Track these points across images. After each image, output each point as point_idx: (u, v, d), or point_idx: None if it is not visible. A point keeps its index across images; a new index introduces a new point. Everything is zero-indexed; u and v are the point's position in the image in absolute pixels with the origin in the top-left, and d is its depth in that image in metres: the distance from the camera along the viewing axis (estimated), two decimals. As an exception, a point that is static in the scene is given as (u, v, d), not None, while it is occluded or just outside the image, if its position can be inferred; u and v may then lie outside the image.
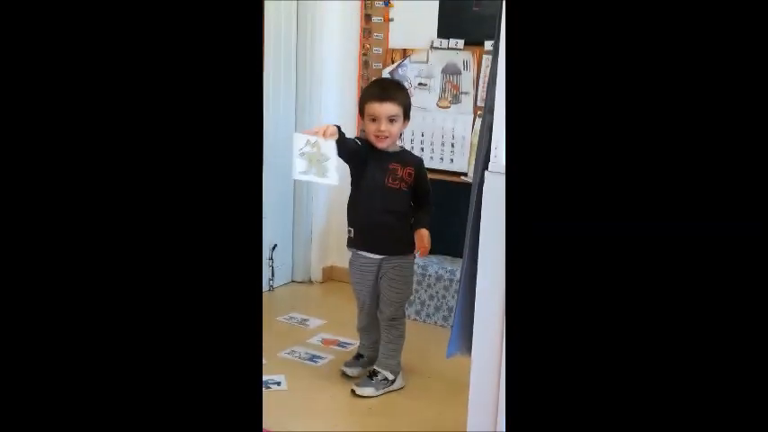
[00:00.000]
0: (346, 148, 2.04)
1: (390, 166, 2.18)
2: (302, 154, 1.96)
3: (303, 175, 1.97)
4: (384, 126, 2.12)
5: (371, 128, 2.14)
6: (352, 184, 2.25)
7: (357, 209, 2.23)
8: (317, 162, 1.97)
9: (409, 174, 2.20)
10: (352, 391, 2.22)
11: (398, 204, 2.21)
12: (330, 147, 1.97)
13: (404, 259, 2.25)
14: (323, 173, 1.96)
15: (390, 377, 2.28)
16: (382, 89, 2.18)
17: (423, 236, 2.24)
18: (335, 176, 1.97)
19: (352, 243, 2.28)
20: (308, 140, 1.96)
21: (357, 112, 2.26)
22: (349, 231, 2.27)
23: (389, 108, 2.12)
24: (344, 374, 2.33)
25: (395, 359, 2.30)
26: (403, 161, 2.21)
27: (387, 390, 2.26)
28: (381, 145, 2.16)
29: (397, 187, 2.19)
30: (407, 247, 2.26)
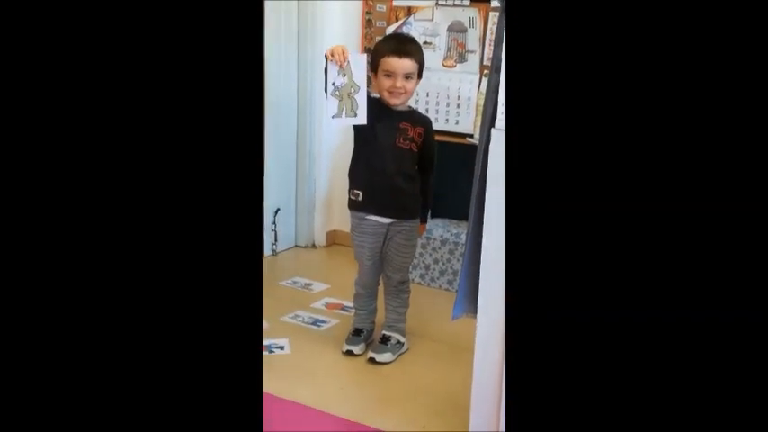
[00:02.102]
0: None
1: (401, 126, 2.11)
2: (335, 89, 1.96)
3: (336, 119, 2.00)
4: (400, 82, 2.05)
5: (386, 83, 2.06)
6: (357, 143, 2.16)
7: (366, 170, 2.13)
8: (347, 96, 1.97)
9: (419, 134, 2.13)
10: (371, 359, 2.18)
11: (409, 166, 2.14)
12: (360, 65, 1.97)
13: (411, 223, 2.20)
14: (353, 109, 1.98)
15: (402, 340, 2.26)
16: (400, 44, 2.10)
17: (420, 228, 2.28)
18: (364, 114, 1.99)
19: (357, 206, 2.18)
20: (339, 69, 1.96)
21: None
22: (354, 194, 2.17)
23: (407, 64, 2.05)
24: (350, 353, 2.22)
25: (403, 322, 2.28)
26: (413, 121, 2.14)
27: (400, 353, 2.24)
28: (395, 102, 2.08)
29: (407, 148, 2.12)
30: (415, 211, 2.21)
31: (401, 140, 2.11)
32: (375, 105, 2.08)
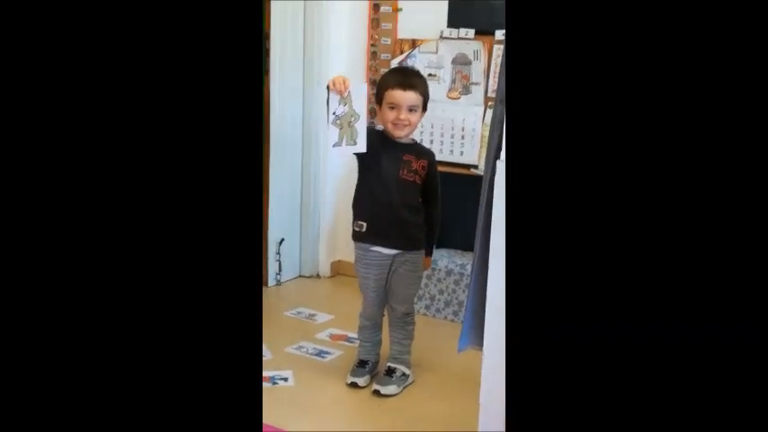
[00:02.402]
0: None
1: (404, 158, 2.12)
2: (336, 118, 1.99)
3: (337, 147, 2.02)
4: (404, 114, 2.07)
5: (390, 116, 2.07)
6: (361, 175, 2.18)
7: (370, 202, 2.14)
8: (347, 125, 2.00)
9: (423, 167, 2.14)
10: (376, 392, 2.16)
11: (413, 198, 2.15)
12: (361, 94, 2.00)
13: (416, 254, 2.20)
14: (353, 138, 2.00)
15: (407, 372, 2.24)
16: (405, 77, 2.12)
17: (425, 262, 2.28)
18: (364, 142, 2.01)
19: (362, 237, 2.17)
20: (340, 99, 1.98)
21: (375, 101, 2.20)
22: (359, 225, 2.17)
23: (411, 97, 2.06)
24: (355, 385, 2.20)
25: (408, 354, 2.26)
26: (417, 153, 2.15)
27: (405, 385, 2.22)
28: (399, 134, 2.10)
29: (411, 180, 2.13)
30: (420, 242, 2.21)
31: (405, 172, 2.12)
32: (379, 137, 2.10)
